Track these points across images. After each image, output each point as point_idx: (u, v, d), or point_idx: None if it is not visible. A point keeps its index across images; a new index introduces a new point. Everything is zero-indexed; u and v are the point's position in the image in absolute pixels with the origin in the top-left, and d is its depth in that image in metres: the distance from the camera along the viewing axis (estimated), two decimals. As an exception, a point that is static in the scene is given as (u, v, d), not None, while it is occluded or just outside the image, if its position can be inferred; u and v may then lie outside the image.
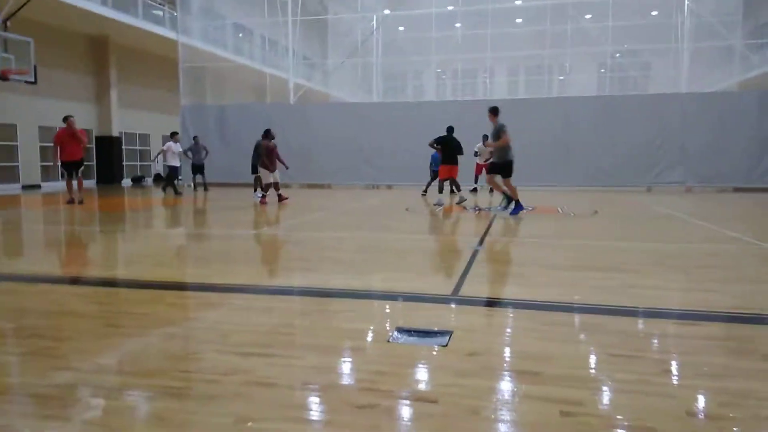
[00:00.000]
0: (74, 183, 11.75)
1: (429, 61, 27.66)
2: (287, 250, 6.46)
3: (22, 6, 12.96)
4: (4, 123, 17.75)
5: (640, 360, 2.68)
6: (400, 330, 3.10)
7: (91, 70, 21.46)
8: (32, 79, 13.26)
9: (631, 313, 3.58)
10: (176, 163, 15.25)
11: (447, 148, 11.45)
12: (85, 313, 3.55)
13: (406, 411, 2.16)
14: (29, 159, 18.73)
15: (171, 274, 4.99)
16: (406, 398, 2.25)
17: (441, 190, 12.12)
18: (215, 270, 5.07)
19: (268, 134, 12.09)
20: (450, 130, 11.84)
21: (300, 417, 2.09)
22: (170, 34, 21.21)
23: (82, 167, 11.86)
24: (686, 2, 23.86)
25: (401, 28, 32.07)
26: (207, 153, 16.73)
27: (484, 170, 15.76)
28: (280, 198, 12.01)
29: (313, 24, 28.45)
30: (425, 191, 14.64)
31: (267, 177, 11.97)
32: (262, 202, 11.81)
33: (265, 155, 11.87)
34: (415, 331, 3.08)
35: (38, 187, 18.66)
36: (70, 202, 11.57)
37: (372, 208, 11.38)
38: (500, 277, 4.61)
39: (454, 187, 12.87)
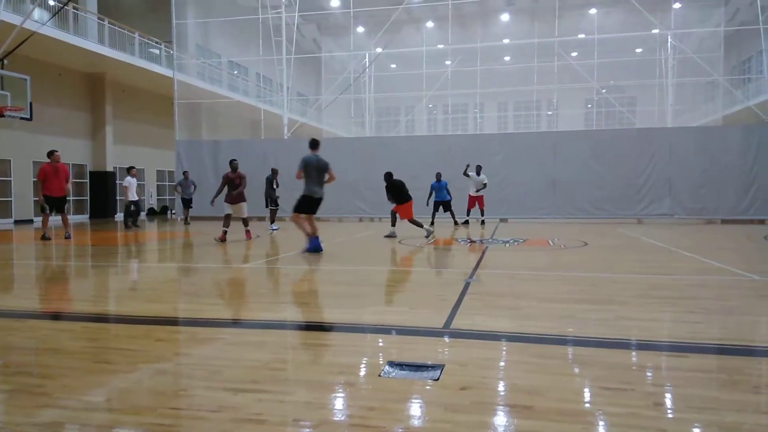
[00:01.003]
0: (55, 218, 11.75)
1: (420, 96, 28.14)
2: (278, 283, 6.44)
3: (20, 45, 13.14)
4: (2, 159, 17.80)
5: (630, 393, 2.68)
6: (392, 364, 3.09)
7: (87, 107, 21.66)
8: (28, 116, 13.34)
9: (622, 345, 3.58)
10: (133, 197, 15.30)
11: (396, 190, 11.36)
12: (74, 350, 3.51)
13: (396, 446, 2.14)
14: (22, 194, 18.71)
15: (159, 309, 4.95)
16: (396, 433, 2.24)
17: (394, 223, 12.07)
18: (204, 305, 5.04)
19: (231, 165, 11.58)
20: (390, 175, 11.62)
21: (289, 454, 2.07)
22: (166, 72, 21.53)
23: (66, 203, 11.82)
24: (669, 40, 24.58)
25: (393, 65, 32.75)
26: (195, 188, 16.82)
27: (477, 202, 15.95)
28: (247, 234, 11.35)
29: (306, 61, 29.01)
30: (432, 223, 14.82)
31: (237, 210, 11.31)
32: (222, 238, 10.84)
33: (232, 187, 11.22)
34: (406, 365, 3.07)
35: (30, 221, 18.58)
36: (45, 238, 11.40)
37: (364, 241, 11.40)
38: (492, 310, 4.62)
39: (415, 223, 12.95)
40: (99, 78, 21.60)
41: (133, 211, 15.39)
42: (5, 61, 13.10)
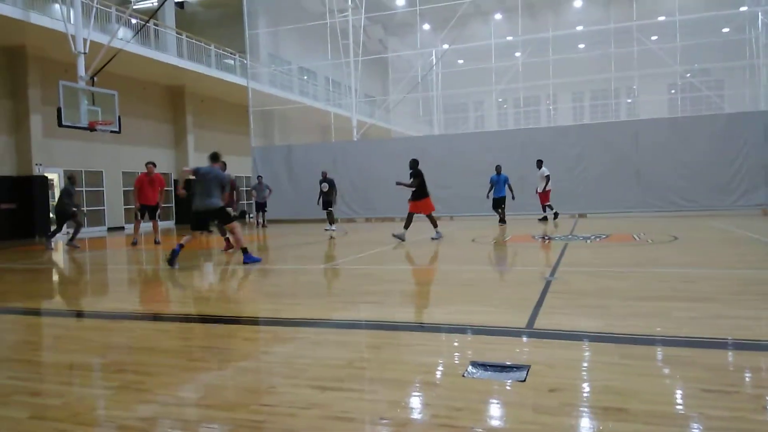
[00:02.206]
0: (146, 224, 12.53)
1: (489, 91, 27.66)
2: (354, 283, 6.52)
3: (108, 62, 14.08)
4: (92, 170, 19.16)
5: (735, 395, 2.50)
6: (475, 364, 3.04)
7: (170, 118, 22.92)
8: (117, 129, 14.28)
9: (720, 345, 3.35)
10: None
11: (423, 181, 10.75)
12: (168, 349, 3.71)
13: (486, 448, 2.10)
14: (114, 203, 20.08)
15: (243, 310, 5.15)
16: (485, 435, 2.20)
17: (408, 225, 11.06)
18: (284, 304, 5.19)
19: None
20: (417, 162, 11.09)
21: (378, 453, 2.08)
22: (241, 81, 22.41)
23: (158, 211, 12.54)
24: (760, 17, 22.78)
25: (460, 61, 32.36)
26: (270, 192, 17.38)
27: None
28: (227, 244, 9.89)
29: (373, 62, 29.23)
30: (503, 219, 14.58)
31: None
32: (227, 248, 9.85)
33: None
34: (490, 366, 3.02)
35: (122, 228, 19.90)
36: (134, 243, 12.22)
37: (437, 241, 11.33)
38: (577, 309, 4.45)
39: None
40: (179, 90, 22.80)
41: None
42: (95, 79, 14.08)
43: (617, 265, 7.02)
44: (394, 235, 10.85)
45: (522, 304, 4.65)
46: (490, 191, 14.54)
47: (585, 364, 3.13)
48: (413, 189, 10.84)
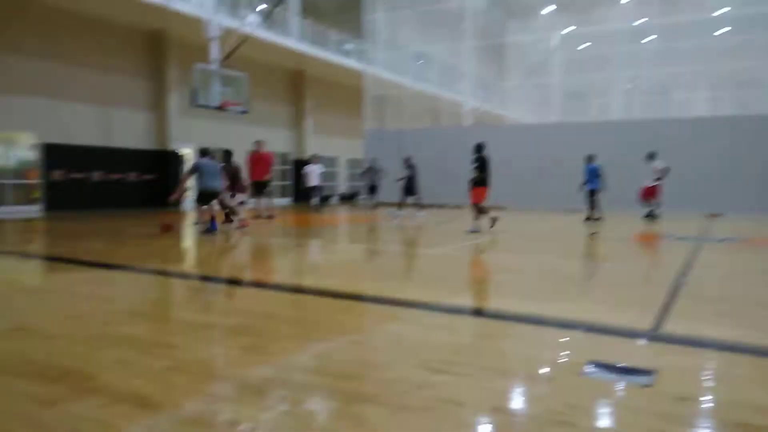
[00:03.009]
0: (262, 201, 13.14)
1: (615, 77, 25.94)
2: (462, 270, 6.47)
3: (239, 46, 15.00)
4: (220, 147, 20.61)
5: None
6: (596, 364, 2.90)
7: (290, 101, 24.04)
8: (246, 110, 15.21)
9: None
10: (316, 182, 16.26)
11: (486, 168, 9.79)
12: (286, 317, 3.92)
13: (607, 451, 2.00)
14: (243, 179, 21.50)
15: (353, 287, 5.30)
16: (606, 437, 2.09)
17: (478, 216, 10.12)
18: (395, 285, 5.26)
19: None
20: (481, 147, 10.06)
21: (493, 440, 2.06)
22: (357, 66, 22.91)
23: (268, 187, 13.08)
24: None
25: (584, 45, 30.63)
26: (382, 175, 17.70)
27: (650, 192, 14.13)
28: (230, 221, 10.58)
29: (490, 47, 28.54)
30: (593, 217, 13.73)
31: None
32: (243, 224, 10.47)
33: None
34: (611, 367, 2.86)
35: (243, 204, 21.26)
36: (257, 217, 12.83)
37: (551, 232, 10.93)
38: (710, 315, 4.08)
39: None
40: (300, 74, 23.79)
41: (319, 196, 16.67)
42: (227, 62, 15.05)
43: (756, 270, 6.34)
44: (470, 231, 9.98)
45: (647, 305, 4.36)
46: (592, 182, 13.33)
47: (718, 375, 2.87)
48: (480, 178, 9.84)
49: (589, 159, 13.27)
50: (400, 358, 2.98)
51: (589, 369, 2.82)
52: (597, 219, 13.05)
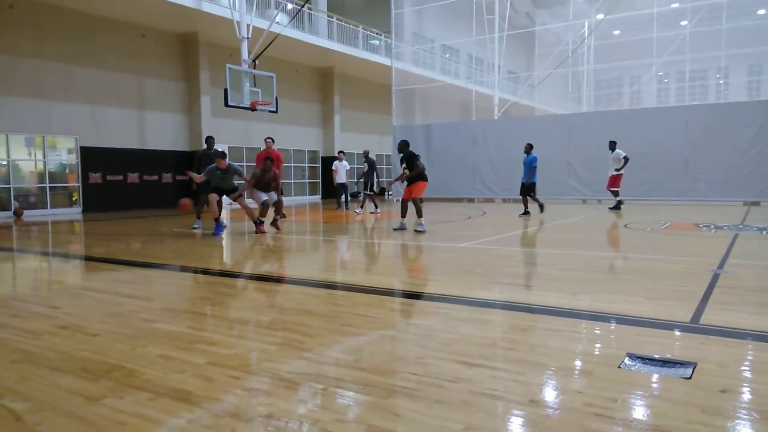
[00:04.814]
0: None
1: (648, 64, 25.29)
2: (494, 263, 6.42)
3: (267, 46, 15.17)
4: (251, 147, 20.91)
5: None
6: (633, 356, 2.85)
7: (318, 98, 24.20)
8: (274, 109, 15.38)
9: None
10: (341, 180, 16.04)
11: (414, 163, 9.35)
12: (323, 312, 3.97)
13: (648, 444, 1.97)
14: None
15: (389, 282, 5.32)
16: (646, 430, 2.06)
17: (420, 213, 9.46)
18: (425, 280, 5.27)
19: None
20: (407, 144, 9.74)
21: (530, 434, 2.05)
22: (385, 61, 22.91)
23: (280, 186, 12.65)
24: None
25: (616, 32, 29.95)
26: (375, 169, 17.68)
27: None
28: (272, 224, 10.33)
29: (518, 37, 28.17)
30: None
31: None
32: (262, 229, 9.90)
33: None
34: (650, 359, 2.81)
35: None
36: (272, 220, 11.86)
37: (584, 224, 10.75)
38: (751, 307, 3.97)
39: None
40: (328, 71, 23.92)
41: (346, 193, 16.61)
42: (256, 62, 15.25)
43: (803, 261, 6.12)
44: (395, 229, 9.68)
45: (685, 297, 4.26)
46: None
47: (759, 366, 2.79)
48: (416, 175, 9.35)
49: (527, 149, 12.71)
50: (433, 353, 2.99)
51: (628, 361, 2.78)
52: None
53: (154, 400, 2.39)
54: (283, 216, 12.39)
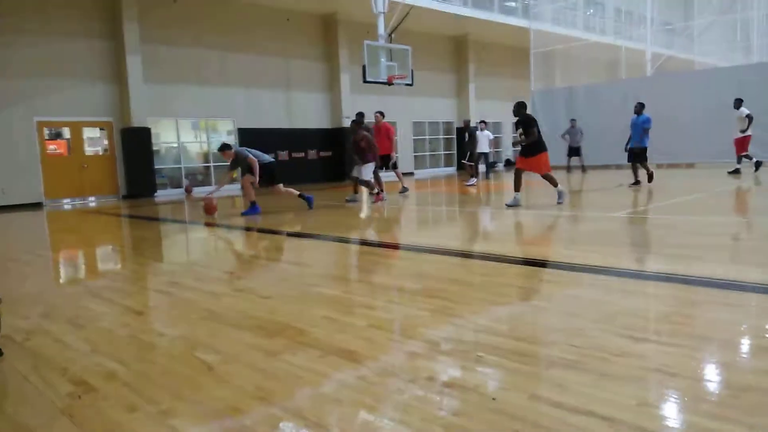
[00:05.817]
0: (389, 174, 12.54)
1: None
2: (658, 234, 5.94)
3: (404, 18, 15.24)
4: (388, 120, 21.32)
5: None
6: (837, 336, 2.49)
7: (452, 68, 23.87)
8: (410, 82, 15.49)
9: None
10: (483, 149, 15.58)
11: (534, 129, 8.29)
12: (472, 282, 3.98)
13: None
14: (405, 150, 22.09)
15: (541, 252, 5.17)
16: None
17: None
18: (583, 250, 5.03)
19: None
20: (524, 105, 8.61)
21: (718, 414, 1.89)
22: (522, 23, 21.89)
23: (393, 161, 12.41)
24: None
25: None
26: (582, 135, 16.85)
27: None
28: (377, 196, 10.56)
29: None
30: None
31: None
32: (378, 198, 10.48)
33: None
34: None
35: (411, 174, 21.85)
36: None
37: (752, 191, 9.52)
38: None
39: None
40: (462, 39, 23.44)
41: (488, 163, 16.28)
42: (392, 36, 15.40)
43: None
44: (508, 205, 8.54)
45: None
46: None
47: None
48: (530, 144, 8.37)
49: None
50: (594, 325, 2.86)
51: (830, 343, 2.44)
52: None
53: (323, 357, 2.58)
54: (405, 189, 12.36)
